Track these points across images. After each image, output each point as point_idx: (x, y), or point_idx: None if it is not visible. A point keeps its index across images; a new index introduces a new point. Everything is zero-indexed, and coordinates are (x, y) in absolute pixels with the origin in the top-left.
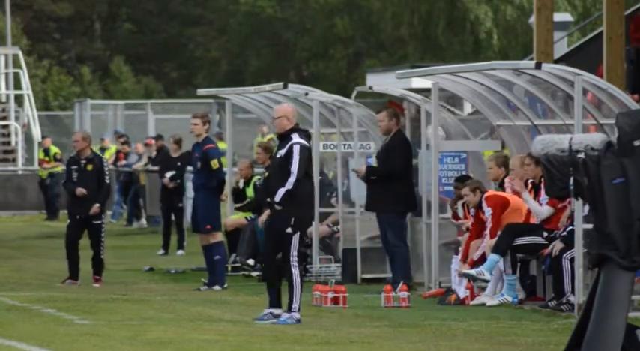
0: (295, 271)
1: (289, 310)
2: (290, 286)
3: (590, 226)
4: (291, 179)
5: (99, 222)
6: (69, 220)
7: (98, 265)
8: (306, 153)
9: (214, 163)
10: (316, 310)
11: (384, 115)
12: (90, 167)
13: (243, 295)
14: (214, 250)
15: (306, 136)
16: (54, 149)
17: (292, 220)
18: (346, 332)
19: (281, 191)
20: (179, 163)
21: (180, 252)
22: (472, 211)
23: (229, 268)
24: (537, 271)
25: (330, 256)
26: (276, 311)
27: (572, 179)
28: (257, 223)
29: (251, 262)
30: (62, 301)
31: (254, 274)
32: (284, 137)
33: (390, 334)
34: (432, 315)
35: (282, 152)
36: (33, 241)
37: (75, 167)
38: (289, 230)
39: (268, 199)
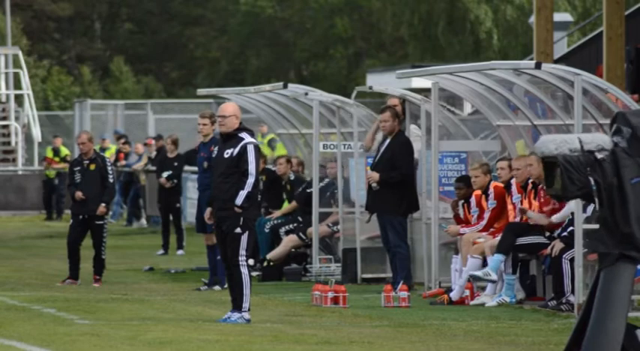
0: (244, 270)
1: (239, 310)
2: (239, 287)
3: (588, 226)
4: (250, 180)
5: (101, 222)
6: (72, 220)
7: (99, 266)
8: (258, 153)
9: None
10: (316, 310)
11: (388, 115)
12: (93, 166)
13: None
14: (217, 251)
15: (252, 135)
16: (64, 151)
17: (241, 219)
18: (346, 332)
19: (242, 193)
20: (176, 163)
21: (180, 252)
22: (475, 210)
23: None
24: (537, 271)
25: (330, 256)
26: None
27: (592, 179)
28: (257, 223)
29: (251, 262)
30: (62, 301)
31: (254, 274)
32: (231, 136)
33: (390, 334)
34: (432, 315)
35: (231, 151)
36: (33, 241)
37: (78, 168)
38: (238, 230)
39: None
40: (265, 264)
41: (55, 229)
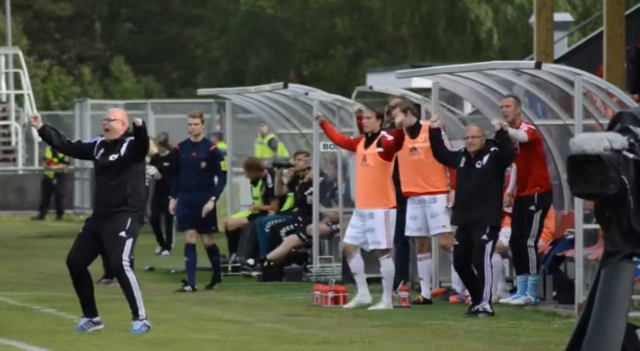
0: (130, 275)
1: (137, 317)
2: (129, 292)
3: (588, 226)
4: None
5: None
6: None
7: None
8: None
9: (225, 164)
10: (316, 310)
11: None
12: None
13: (243, 295)
14: (186, 253)
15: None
16: None
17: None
18: (346, 332)
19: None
20: (166, 163)
21: (165, 253)
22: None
23: (229, 268)
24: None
25: (330, 256)
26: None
27: (625, 178)
28: (258, 223)
29: (251, 262)
30: (62, 301)
31: (254, 274)
32: (118, 141)
33: (390, 334)
34: (432, 315)
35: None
36: (33, 241)
37: None
38: (123, 234)
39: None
40: (265, 264)
41: (55, 229)
